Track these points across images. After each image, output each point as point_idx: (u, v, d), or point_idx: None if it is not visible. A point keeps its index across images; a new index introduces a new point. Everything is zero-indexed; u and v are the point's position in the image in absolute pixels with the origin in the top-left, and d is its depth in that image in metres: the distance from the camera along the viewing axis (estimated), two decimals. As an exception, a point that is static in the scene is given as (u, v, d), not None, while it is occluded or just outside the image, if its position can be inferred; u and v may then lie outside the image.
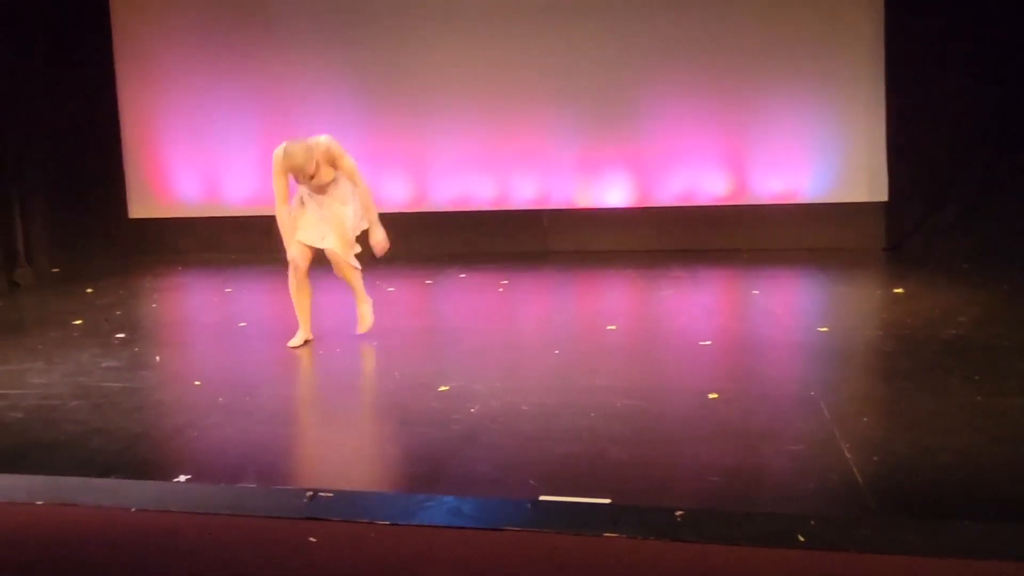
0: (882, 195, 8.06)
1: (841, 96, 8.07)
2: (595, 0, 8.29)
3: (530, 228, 8.68)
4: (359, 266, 5.21)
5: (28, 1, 8.15)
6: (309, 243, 5.10)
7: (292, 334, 5.30)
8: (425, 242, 8.45)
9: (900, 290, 6.30)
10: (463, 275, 7.54)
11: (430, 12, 8.54)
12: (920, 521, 2.87)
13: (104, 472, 3.44)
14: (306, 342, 5.28)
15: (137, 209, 9.25)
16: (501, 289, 7.04)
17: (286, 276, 7.95)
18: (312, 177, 4.94)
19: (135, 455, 3.66)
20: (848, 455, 3.33)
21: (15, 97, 7.99)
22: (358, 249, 5.24)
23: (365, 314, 5.32)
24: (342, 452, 3.87)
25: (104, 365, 4.99)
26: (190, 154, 9.12)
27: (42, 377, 4.78)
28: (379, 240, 5.08)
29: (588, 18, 8.32)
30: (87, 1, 8.81)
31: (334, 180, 5.08)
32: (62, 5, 8.50)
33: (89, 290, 7.36)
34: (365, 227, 5.17)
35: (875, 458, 3.31)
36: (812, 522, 2.82)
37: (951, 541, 2.72)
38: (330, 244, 5.07)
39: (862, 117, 8.06)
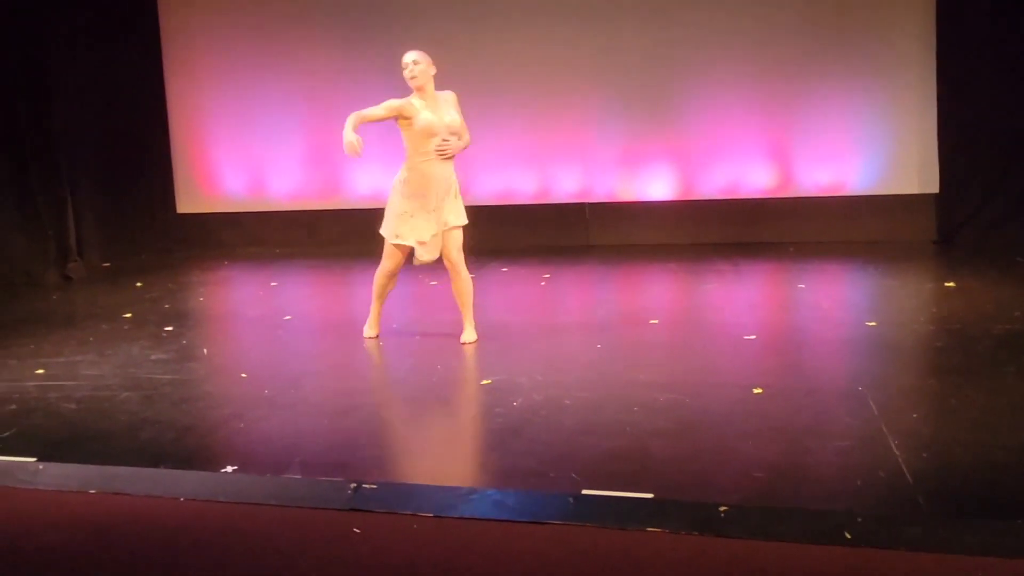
0: (933, 187, 7.88)
1: (890, 85, 7.91)
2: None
3: (572, 222, 8.65)
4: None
5: (82, 6, 8.32)
6: (426, 257, 5.05)
7: (335, 328, 5.33)
8: (467, 236, 8.41)
9: (951, 284, 6.16)
10: (505, 269, 7.54)
11: (473, 7, 8.55)
12: (971, 520, 2.81)
13: (154, 462, 3.51)
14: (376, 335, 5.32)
15: (185, 204, 9.41)
16: (543, 283, 7.03)
17: (329, 271, 8.06)
18: (422, 89, 4.90)
19: (183, 446, 3.72)
20: (897, 452, 3.27)
21: (66, 96, 8.17)
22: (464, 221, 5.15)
23: (468, 332, 5.16)
24: (386, 444, 3.90)
25: (153, 357, 5.09)
26: (236, 150, 9.25)
27: (94, 369, 4.89)
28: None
29: (631, 10, 8.26)
30: (136, 2, 8.96)
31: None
32: (113, 8, 8.66)
33: (139, 284, 7.51)
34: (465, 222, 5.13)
35: (924, 455, 3.25)
36: (859, 519, 2.78)
37: (1003, 541, 2.66)
38: (432, 252, 5.04)
39: (912, 107, 7.89)
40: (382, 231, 5.07)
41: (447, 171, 5.02)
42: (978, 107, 7.52)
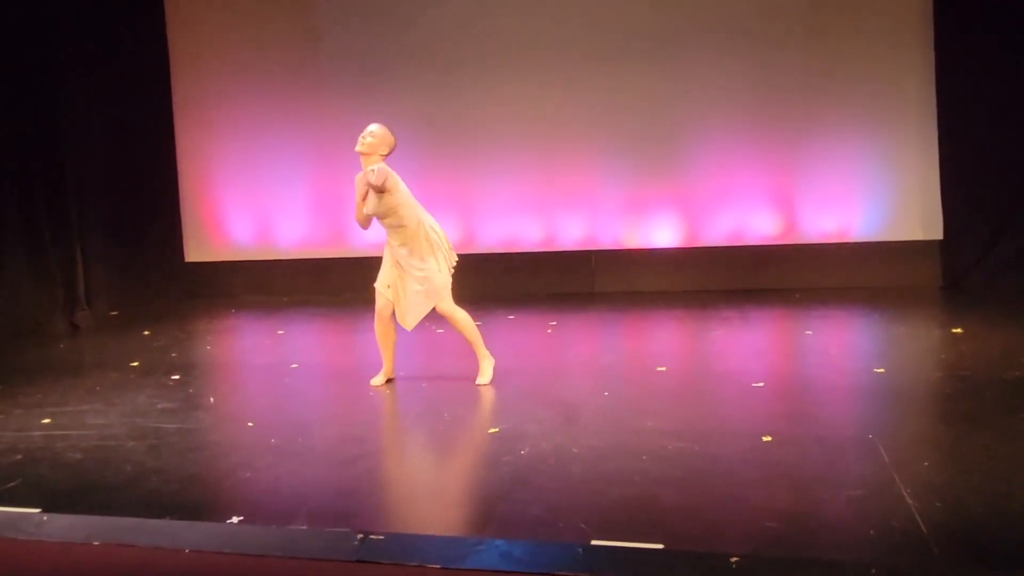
0: (937, 233, 7.91)
1: (892, 132, 7.99)
2: (641, 42, 8.36)
3: (578, 269, 8.68)
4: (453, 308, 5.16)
5: (95, 58, 8.49)
6: (408, 315, 5.16)
7: (342, 376, 5.34)
8: (474, 284, 8.44)
9: (959, 330, 6.15)
10: (512, 316, 7.54)
11: (477, 58, 8.68)
12: (986, 570, 2.77)
13: (159, 513, 3.48)
14: (388, 381, 5.37)
15: (193, 253, 9.48)
16: (550, 330, 7.03)
17: (336, 318, 8.07)
18: (364, 156, 5.01)
19: (189, 496, 3.70)
20: (910, 501, 3.24)
21: (80, 147, 8.28)
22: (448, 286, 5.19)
23: (484, 369, 5.25)
24: (393, 494, 3.87)
25: (160, 406, 5.08)
26: (244, 199, 9.34)
27: (100, 418, 4.88)
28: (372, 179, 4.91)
29: (635, 60, 8.38)
30: (149, 54, 9.14)
31: (403, 227, 5.06)
32: (126, 61, 8.82)
33: (146, 332, 7.52)
34: (454, 263, 5.20)
35: (938, 504, 3.21)
36: (873, 570, 2.74)
37: (1021, 592, 2.62)
38: (410, 319, 5.15)
39: (914, 153, 7.96)
40: (376, 284, 5.26)
41: (400, 239, 5.06)
42: (979, 153, 7.59)
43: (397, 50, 8.81)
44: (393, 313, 5.22)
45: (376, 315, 5.25)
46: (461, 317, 5.17)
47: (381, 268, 5.23)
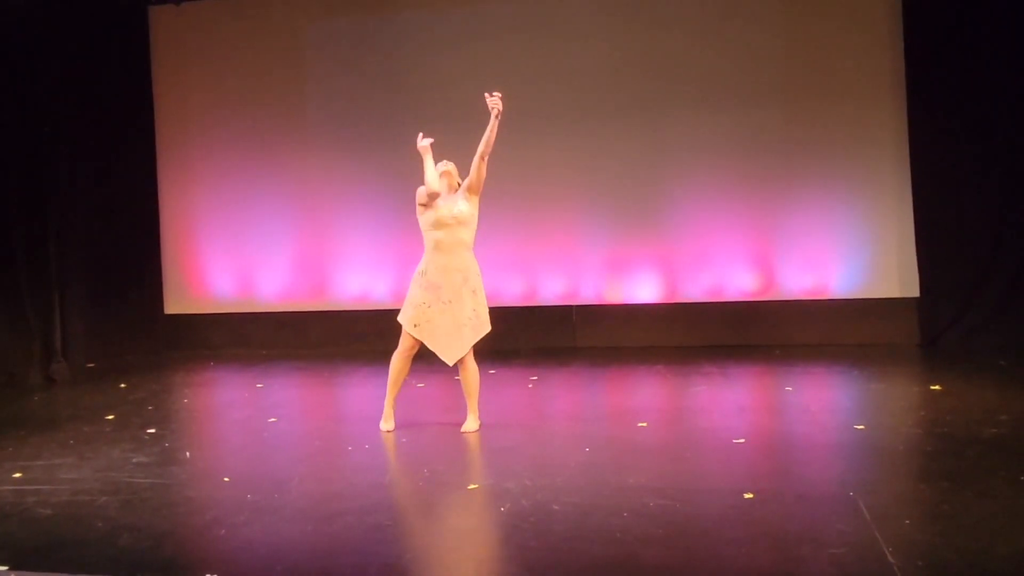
0: (913, 291, 8.00)
1: (868, 191, 8.14)
2: (623, 103, 8.51)
3: (560, 324, 8.69)
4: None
5: (80, 110, 8.52)
6: (442, 356, 5.25)
7: (321, 430, 5.28)
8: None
9: (937, 387, 6.19)
10: (493, 371, 7.51)
11: (460, 117, 8.77)
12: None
13: (131, 571, 3.40)
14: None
15: (173, 305, 9.42)
16: (531, 385, 7.00)
17: (316, 372, 8.02)
18: (452, 189, 5.32)
19: (162, 553, 3.62)
20: (891, 559, 3.22)
21: (62, 198, 8.26)
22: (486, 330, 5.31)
23: (471, 421, 5.35)
24: (370, 552, 3.80)
25: (135, 461, 5.00)
26: (225, 252, 9.33)
27: (73, 472, 4.79)
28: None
29: (617, 120, 8.52)
30: (133, 107, 9.19)
31: (466, 249, 5.22)
32: (110, 113, 8.87)
33: (123, 385, 7.43)
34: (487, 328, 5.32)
35: (920, 563, 3.19)
36: (856, 631, 2.71)
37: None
38: (453, 353, 5.22)
39: (890, 213, 8.10)
40: (399, 318, 5.31)
41: (458, 262, 5.20)
42: (954, 212, 7.72)
43: (381, 107, 8.91)
44: (414, 354, 5.28)
45: (399, 353, 5.32)
46: (474, 367, 5.29)
47: (407, 305, 5.28)
